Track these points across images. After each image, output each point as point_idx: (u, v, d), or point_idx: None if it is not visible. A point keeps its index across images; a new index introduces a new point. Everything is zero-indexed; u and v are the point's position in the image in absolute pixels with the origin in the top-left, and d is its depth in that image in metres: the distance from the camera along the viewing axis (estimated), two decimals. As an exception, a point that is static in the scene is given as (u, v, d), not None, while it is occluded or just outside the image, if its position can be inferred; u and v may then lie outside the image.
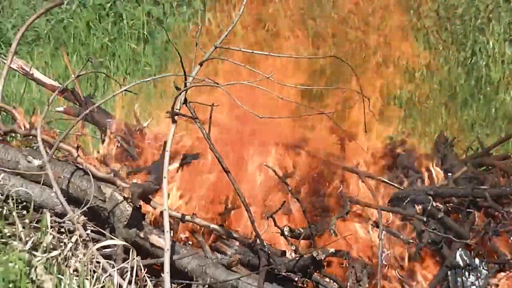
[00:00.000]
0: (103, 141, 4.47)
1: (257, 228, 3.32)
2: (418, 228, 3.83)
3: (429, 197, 3.96)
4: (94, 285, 3.23)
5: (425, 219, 3.82)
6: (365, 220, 3.93)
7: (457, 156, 4.76)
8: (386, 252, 3.78)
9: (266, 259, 3.30)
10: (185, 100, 3.31)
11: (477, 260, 3.77)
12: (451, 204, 4.07)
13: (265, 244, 3.33)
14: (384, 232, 3.71)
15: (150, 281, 3.33)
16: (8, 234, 3.47)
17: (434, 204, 3.94)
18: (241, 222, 3.80)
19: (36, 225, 3.56)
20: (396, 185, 4.02)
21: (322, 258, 3.23)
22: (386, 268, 3.75)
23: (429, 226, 3.86)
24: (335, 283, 3.49)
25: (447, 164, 4.52)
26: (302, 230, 3.56)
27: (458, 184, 4.24)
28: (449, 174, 4.30)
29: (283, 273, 3.32)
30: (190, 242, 3.69)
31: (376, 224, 3.82)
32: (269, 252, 3.34)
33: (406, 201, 3.98)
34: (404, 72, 7.11)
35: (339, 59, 3.51)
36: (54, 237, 3.41)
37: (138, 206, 3.41)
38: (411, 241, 3.81)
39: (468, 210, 3.99)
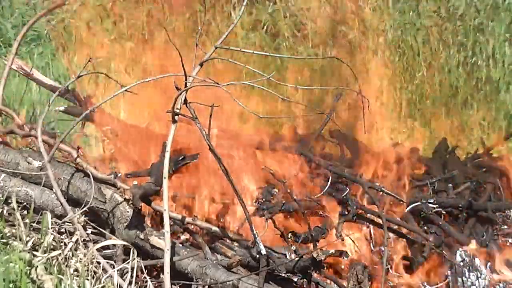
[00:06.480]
0: (103, 142, 4.47)
1: (255, 230, 3.31)
2: (419, 240, 3.86)
3: (430, 205, 4.01)
4: (94, 286, 3.23)
5: (431, 239, 3.85)
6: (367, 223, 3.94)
7: (458, 159, 4.75)
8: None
9: (265, 260, 3.30)
10: (185, 100, 3.31)
11: (477, 260, 3.78)
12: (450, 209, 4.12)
13: (262, 245, 3.32)
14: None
15: (151, 282, 3.33)
16: (8, 234, 3.47)
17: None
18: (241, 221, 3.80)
19: (36, 225, 3.56)
20: (397, 196, 4.01)
21: (322, 258, 3.23)
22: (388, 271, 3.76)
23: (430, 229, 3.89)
24: (335, 284, 3.49)
25: (448, 168, 4.52)
26: (306, 235, 3.57)
27: (459, 191, 4.28)
28: (449, 184, 4.32)
29: (283, 274, 3.32)
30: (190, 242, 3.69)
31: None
32: (269, 253, 3.34)
33: (407, 209, 4.00)
34: (404, 72, 7.12)
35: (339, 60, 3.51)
36: (54, 237, 3.42)
37: (139, 207, 3.41)
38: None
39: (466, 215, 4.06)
